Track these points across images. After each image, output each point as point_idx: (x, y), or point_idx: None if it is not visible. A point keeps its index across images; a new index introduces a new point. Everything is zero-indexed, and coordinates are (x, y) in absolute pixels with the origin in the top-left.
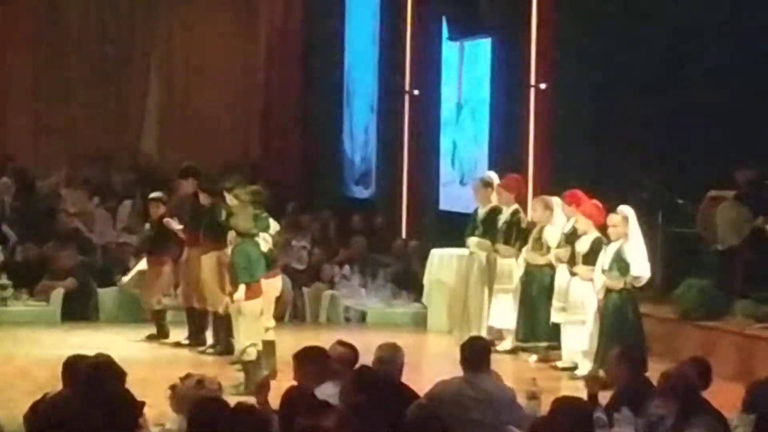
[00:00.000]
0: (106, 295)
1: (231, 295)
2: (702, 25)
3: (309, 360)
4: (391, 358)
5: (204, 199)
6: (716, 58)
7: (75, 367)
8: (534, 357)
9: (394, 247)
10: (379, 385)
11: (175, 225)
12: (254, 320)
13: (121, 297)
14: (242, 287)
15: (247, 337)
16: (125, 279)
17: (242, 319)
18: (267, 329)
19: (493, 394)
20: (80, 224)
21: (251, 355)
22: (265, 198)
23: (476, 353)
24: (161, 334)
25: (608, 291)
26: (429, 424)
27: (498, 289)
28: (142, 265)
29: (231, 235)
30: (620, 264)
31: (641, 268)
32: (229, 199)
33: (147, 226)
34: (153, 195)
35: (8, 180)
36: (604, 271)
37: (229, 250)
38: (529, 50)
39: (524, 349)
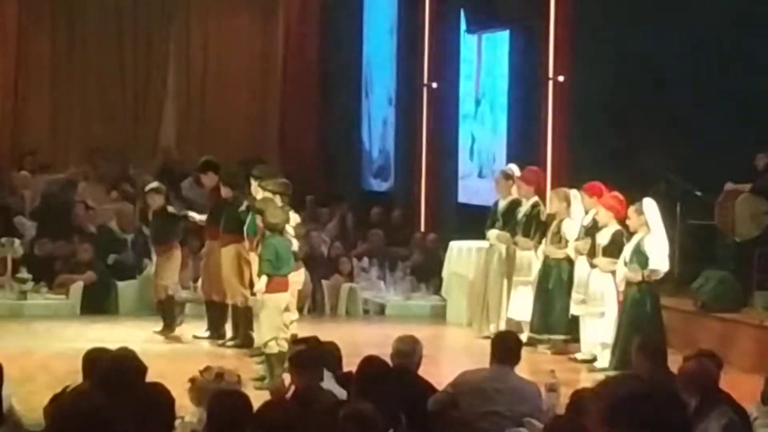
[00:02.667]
0: (125, 288)
1: (252, 287)
2: (721, 15)
3: (307, 361)
4: (409, 350)
5: (226, 192)
6: (736, 49)
7: (95, 361)
8: (548, 351)
9: (413, 240)
10: (385, 372)
11: (198, 217)
12: (278, 314)
13: (140, 290)
14: (263, 278)
15: (269, 331)
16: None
17: (265, 313)
18: (291, 322)
19: (517, 387)
20: (113, 224)
21: (273, 348)
22: (291, 191)
23: (507, 347)
24: (167, 327)
25: (628, 283)
26: (447, 415)
27: (517, 281)
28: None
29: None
30: (640, 256)
31: (659, 261)
32: (254, 186)
33: (150, 216)
34: (150, 186)
35: (27, 174)
36: (625, 263)
37: (247, 242)
38: (547, 43)
39: (538, 341)
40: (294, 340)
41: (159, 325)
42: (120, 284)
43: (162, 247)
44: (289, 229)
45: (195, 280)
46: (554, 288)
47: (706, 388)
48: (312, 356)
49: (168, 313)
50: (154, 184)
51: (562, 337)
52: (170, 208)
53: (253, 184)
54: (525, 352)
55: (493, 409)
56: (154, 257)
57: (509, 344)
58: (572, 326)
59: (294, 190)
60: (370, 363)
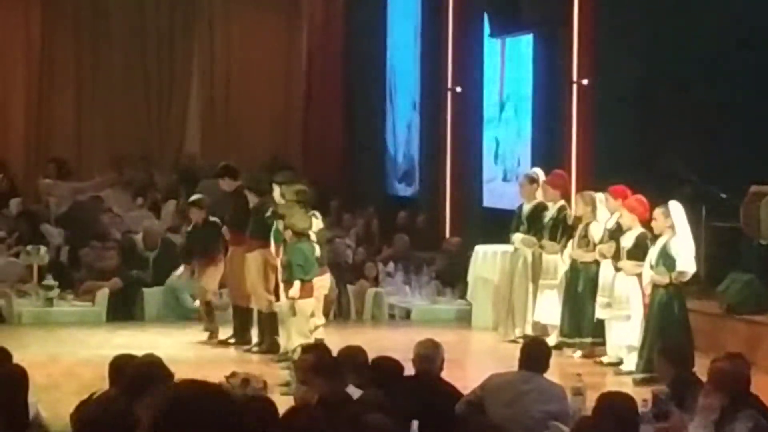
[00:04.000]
0: (151, 295)
1: (278, 293)
2: (745, 19)
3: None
4: (431, 355)
5: (252, 198)
6: (760, 52)
7: (122, 367)
8: (578, 353)
9: (443, 244)
10: (397, 371)
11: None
12: (306, 320)
13: (166, 297)
14: (297, 284)
15: (299, 337)
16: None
17: (295, 319)
18: (317, 327)
19: (545, 387)
20: (138, 238)
21: None
22: (309, 197)
23: (535, 355)
24: (212, 334)
25: (655, 286)
26: (474, 421)
27: (543, 284)
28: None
29: (288, 234)
30: (666, 259)
31: (686, 263)
32: (278, 192)
33: (190, 228)
34: (192, 198)
35: (50, 181)
36: (651, 267)
37: (273, 248)
38: (570, 46)
39: (568, 345)
40: (303, 348)
41: (189, 332)
42: (146, 291)
43: (204, 261)
44: (311, 234)
45: (220, 287)
46: (583, 291)
47: (737, 389)
48: (335, 362)
49: (209, 316)
50: (196, 197)
51: (590, 339)
52: (212, 218)
53: (276, 190)
54: (553, 355)
55: (521, 409)
56: (181, 269)
57: (538, 352)
58: (600, 329)
59: (318, 195)
60: (382, 363)
